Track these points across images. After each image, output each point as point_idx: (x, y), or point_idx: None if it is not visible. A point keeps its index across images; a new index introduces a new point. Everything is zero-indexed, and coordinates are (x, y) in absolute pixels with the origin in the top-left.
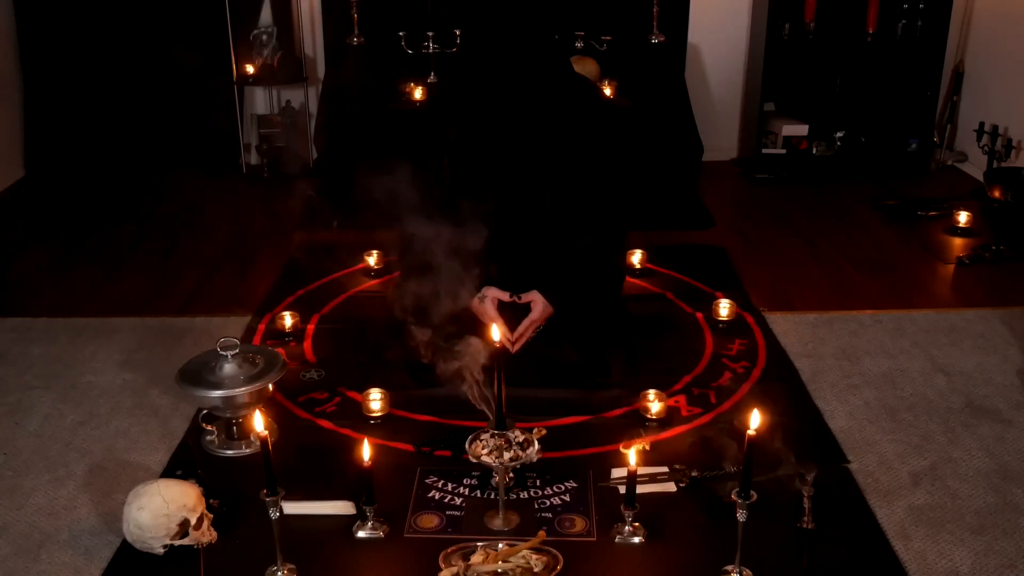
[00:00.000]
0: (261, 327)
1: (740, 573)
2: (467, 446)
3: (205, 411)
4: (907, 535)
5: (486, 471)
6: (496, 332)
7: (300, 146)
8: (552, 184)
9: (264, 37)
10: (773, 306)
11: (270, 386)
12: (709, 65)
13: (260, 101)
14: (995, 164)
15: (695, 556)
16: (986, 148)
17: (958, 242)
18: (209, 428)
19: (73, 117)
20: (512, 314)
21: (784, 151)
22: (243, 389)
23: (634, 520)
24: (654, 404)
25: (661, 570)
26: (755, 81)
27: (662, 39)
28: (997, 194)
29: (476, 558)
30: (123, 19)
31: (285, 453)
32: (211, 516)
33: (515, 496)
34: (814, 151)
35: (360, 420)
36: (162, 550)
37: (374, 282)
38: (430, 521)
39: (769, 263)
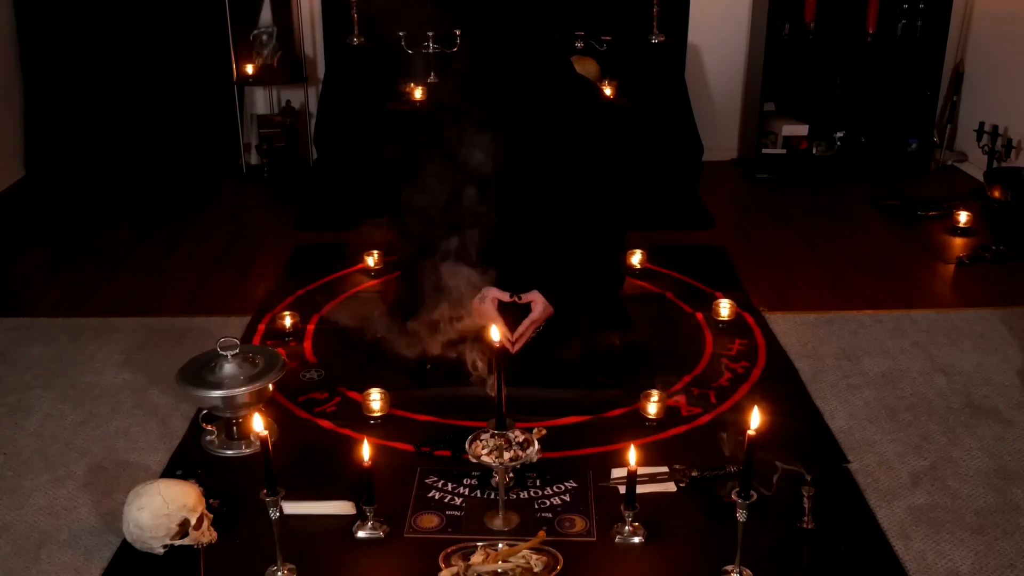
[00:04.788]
0: (261, 327)
1: (740, 573)
2: (467, 446)
3: (205, 411)
4: (907, 535)
5: (486, 471)
6: (496, 332)
7: (300, 146)
8: (553, 184)
9: (264, 37)
10: (773, 306)
11: (270, 386)
12: (709, 65)
13: (260, 101)
14: (995, 164)
15: (695, 556)
16: (986, 148)
17: (958, 242)
18: (209, 428)
19: (73, 117)
20: (512, 314)
21: (784, 151)
22: (243, 389)
23: (634, 520)
24: (654, 404)
25: (661, 570)
26: (755, 81)
27: (662, 39)
28: (997, 194)
29: (476, 558)
30: (123, 19)
31: (285, 453)
32: (211, 516)
33: (515, 496)
34: (814, 151)
35: (360, 420)
36: (162, 550)
37: (374, 282)
38: (430, 521)
39: (769, 263)
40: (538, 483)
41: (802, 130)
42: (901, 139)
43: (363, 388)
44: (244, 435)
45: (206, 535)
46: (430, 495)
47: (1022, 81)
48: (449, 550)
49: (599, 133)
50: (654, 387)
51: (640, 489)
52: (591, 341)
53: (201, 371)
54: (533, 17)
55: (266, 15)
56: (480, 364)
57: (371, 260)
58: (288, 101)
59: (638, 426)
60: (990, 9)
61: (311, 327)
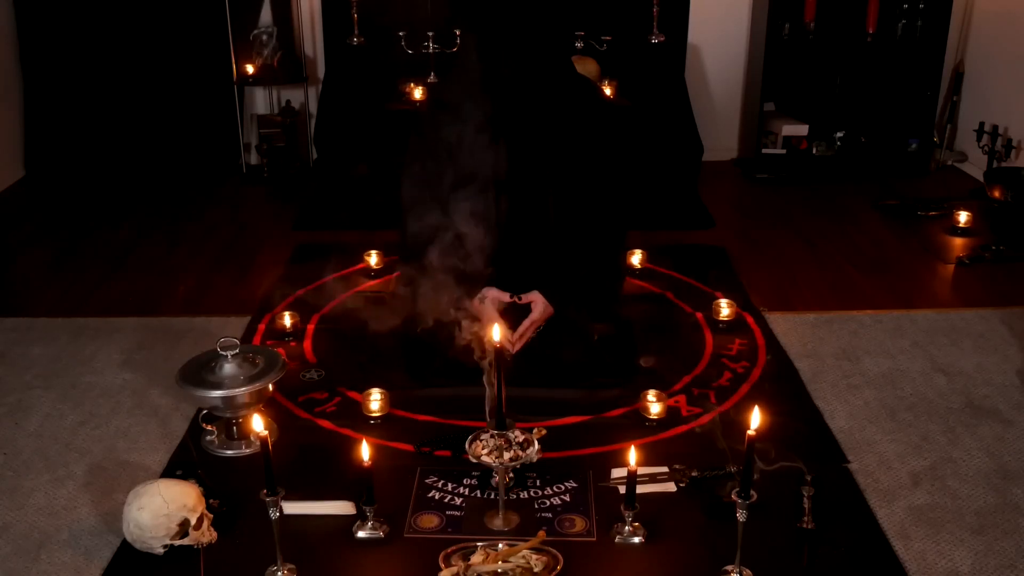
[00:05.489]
0: (261, 327)
1: (740, 573)
2: (467, 446)
3: (205, 411)
4: (907, 535)
5: (486, 471)
6: (496, 332)
7: (300, 146)
8: (553, 184)
9: (264, 37)
10: (773, 306)
11: (270, 386)
12: (709, 65)
13: (260, 101)
14: (995, 164)
15: (695, 556)
16: (986, 148)
17: (958, 242)
18: (209, 428)
19: (73, 117)
20: (512, 314)
21: (784, 151)
22: (243, 389)
23: (634, 520)
24: (654, 404)
25: (661, 570)
26: (755, 81)
27: (662, 39)
28: (997, 194)
29: (476, 558)
30: (123, 19)
31: (285, 453)
32: (211, 516)
33: (515, 496)
34: (814, 151)
35: (360, 420)
36: (162, 550)
37: (374, 282)
38: (430, 521)
39: (769, 263)
40: (538, 483)
41: (802, 130)
42: (901, 139)
43: (363, 388)
44: (244, 435)
45: (206, 535)
46: (430, 495)
47: (1022, 81)
48: (449, 550)
49: (600, 133)
50: (654, 387)
51: (640, 489)
52: (591, 340)
53: (201, 371)
54: (534, 17)
55: (266, 15)
56: (476, 329)
57: (371, 260)
58: (288, 101)
59: (638, 426)
60: (990, 9)
61: (311, 327)
